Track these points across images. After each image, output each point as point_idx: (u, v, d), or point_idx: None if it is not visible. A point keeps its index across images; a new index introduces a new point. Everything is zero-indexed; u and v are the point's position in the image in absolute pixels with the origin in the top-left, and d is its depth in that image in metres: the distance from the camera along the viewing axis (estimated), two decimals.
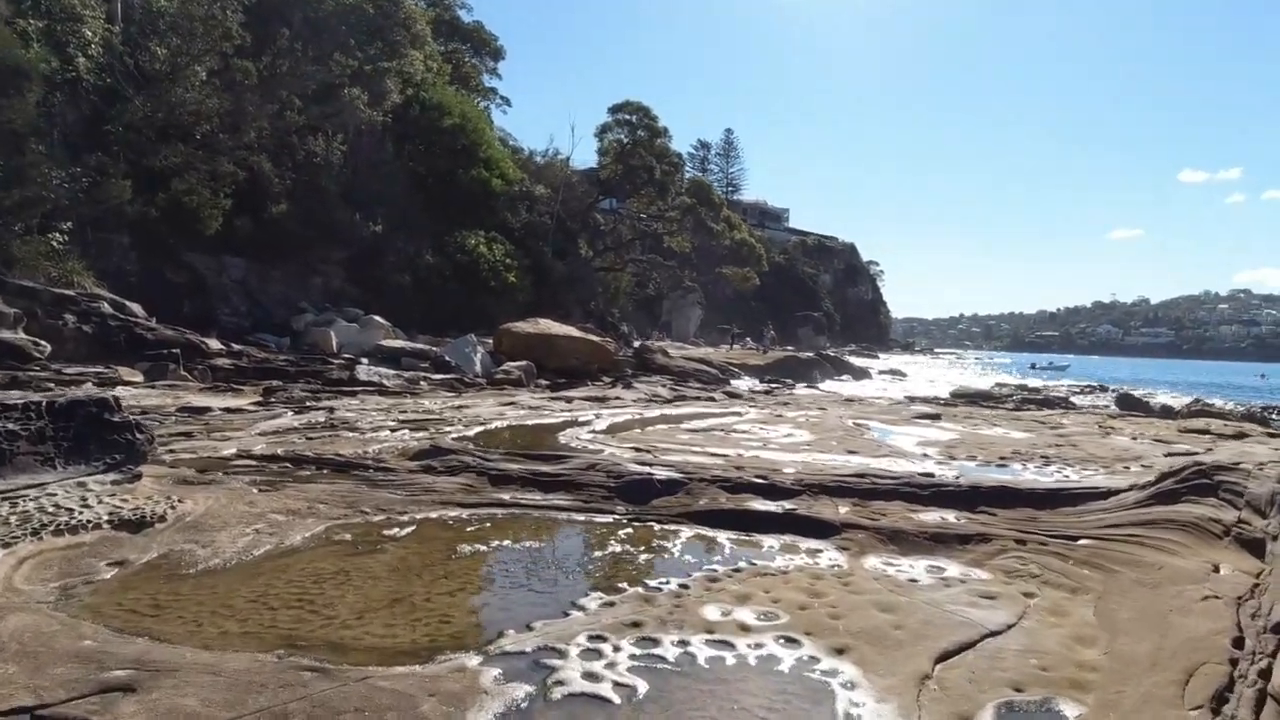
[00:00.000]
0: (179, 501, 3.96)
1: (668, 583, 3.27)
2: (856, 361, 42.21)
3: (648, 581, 3.28)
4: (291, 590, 2.95)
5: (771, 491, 4.61)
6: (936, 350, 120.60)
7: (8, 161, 13.51)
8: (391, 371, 14.35)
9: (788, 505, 4.41)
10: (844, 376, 35.04)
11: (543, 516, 4.29)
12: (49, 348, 11.66)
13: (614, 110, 39.78)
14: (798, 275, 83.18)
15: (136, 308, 14.15)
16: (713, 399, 13.96)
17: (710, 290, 60.45)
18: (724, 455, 5.57)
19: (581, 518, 4.29)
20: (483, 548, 3.69)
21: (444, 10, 36.85)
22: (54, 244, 14.17)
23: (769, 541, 3.97)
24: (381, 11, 24.11)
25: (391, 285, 21.80)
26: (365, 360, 17.49)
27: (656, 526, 4.17)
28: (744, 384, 26.31)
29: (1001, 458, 5.76)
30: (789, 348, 47.35)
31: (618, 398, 12.36)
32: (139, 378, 11.76)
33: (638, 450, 5.63)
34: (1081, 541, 3.81)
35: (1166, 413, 16.66)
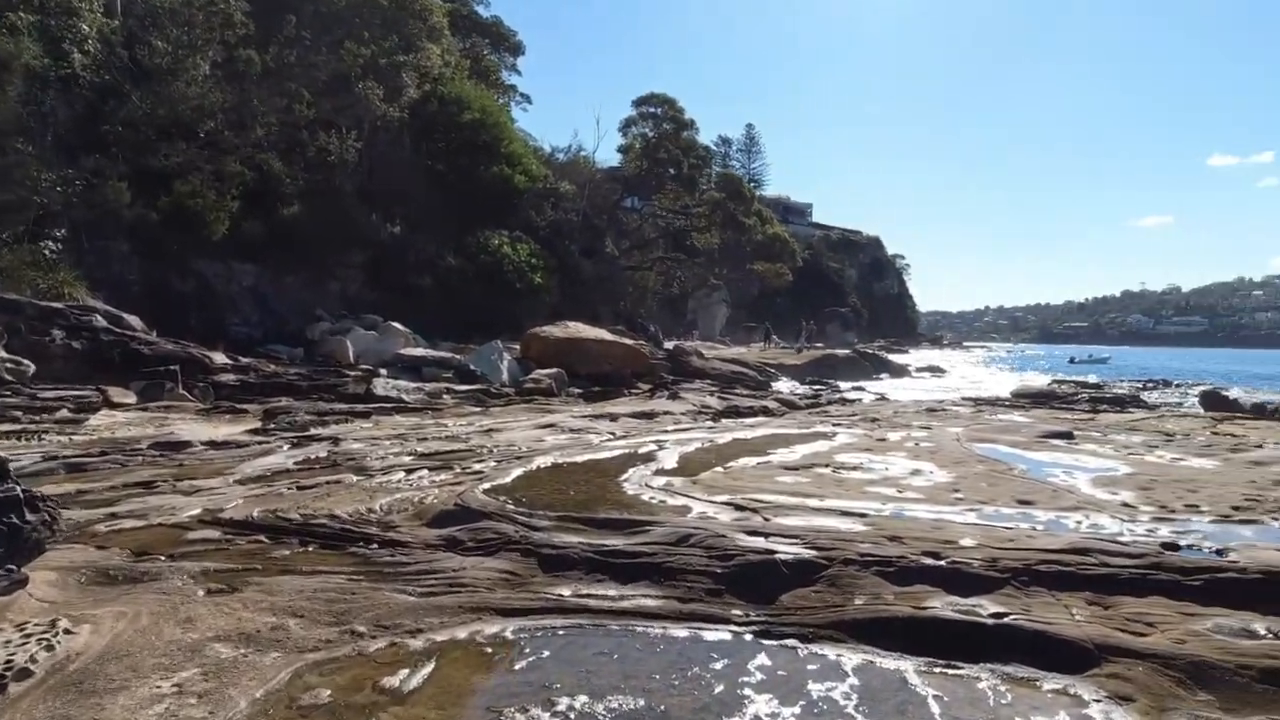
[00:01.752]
0: (70, 629, 2.56)
1: None
2: (894, 358, 40.49)
3: None
4: None
5: (957, 581, 3.13)
6: (964, 344, 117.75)
7: None
8: (412, 384, 13.00)
9: (990, 607, 2.93)
10: (882, 375, 33.44)
11: (625, 632, 2.85)
12: (32, 367, 10.45)
13: (638, 103, 38.38)
14: (823, 270, 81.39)
15: (134, 320, 12.94)
16: (769, 410, 12.48)
17: (735, 288, 58.87)
18: (856, 513, 4.09)
19: (683, 632, 2.84)
20: (546, 717, 2.25)
21: (461, 4, 35.58)
22: (45, 252, 13.02)
23: (985, 680, 2.50)
24: (396, 3, 22.88)
25: (412, 289, 20.52)
26: (384, 371, 16.23)
27: (801, 649, 2.71)
28: (785, 386, 24.90)
29: (1234, 507, 4.22)
30: (819, 344, 45.69)
31: (666, 411, 10.91)
32: (131, 399, 10.51)
33: (736, 507, 4.16)
34: None
35: (1262, 412, 14.84)
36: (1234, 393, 19.83)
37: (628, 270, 39.97)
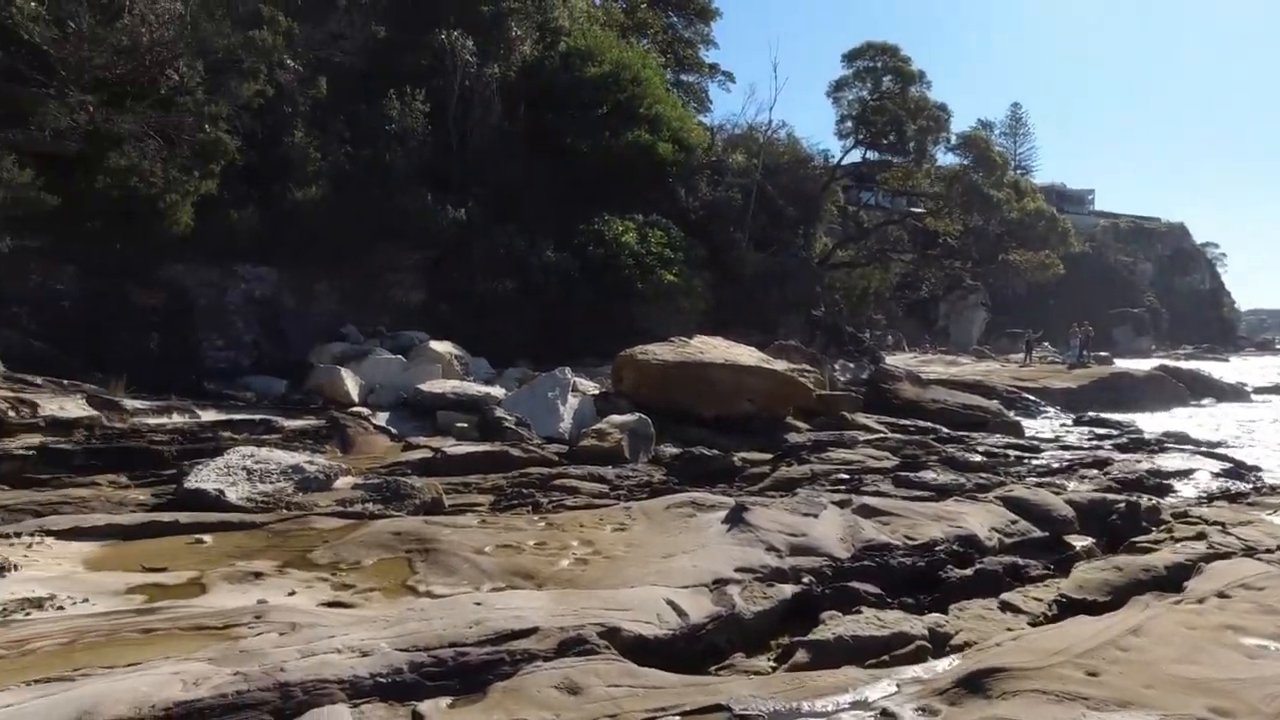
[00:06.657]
0: None
1: None
2: (1217, 375, 27.99)
3: None
4: None
5: None
6: None
7: None
8: (288, 462, 7.32)
9: None
10: (1205, 399, 22.80)
11: None
12: None
13: (850, 58, 30.47)
14: (1107, 265, 65.72)
15: None
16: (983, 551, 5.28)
17: (993, 289, 47.66)
18: None
19: None
20: None
21: None
22: None
23: None
24: None
25: (488, 296, 15.25)
26: (384, 414, 11.08)
27: None
28: (1047, 424, 16.45)
29: None
30: (1104, 353, 33.98)
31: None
32: None
33: None
34: None
35: None
36: None
37: (841, 268, 32.12)
